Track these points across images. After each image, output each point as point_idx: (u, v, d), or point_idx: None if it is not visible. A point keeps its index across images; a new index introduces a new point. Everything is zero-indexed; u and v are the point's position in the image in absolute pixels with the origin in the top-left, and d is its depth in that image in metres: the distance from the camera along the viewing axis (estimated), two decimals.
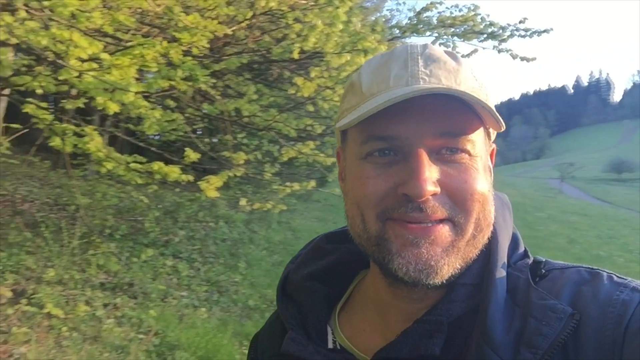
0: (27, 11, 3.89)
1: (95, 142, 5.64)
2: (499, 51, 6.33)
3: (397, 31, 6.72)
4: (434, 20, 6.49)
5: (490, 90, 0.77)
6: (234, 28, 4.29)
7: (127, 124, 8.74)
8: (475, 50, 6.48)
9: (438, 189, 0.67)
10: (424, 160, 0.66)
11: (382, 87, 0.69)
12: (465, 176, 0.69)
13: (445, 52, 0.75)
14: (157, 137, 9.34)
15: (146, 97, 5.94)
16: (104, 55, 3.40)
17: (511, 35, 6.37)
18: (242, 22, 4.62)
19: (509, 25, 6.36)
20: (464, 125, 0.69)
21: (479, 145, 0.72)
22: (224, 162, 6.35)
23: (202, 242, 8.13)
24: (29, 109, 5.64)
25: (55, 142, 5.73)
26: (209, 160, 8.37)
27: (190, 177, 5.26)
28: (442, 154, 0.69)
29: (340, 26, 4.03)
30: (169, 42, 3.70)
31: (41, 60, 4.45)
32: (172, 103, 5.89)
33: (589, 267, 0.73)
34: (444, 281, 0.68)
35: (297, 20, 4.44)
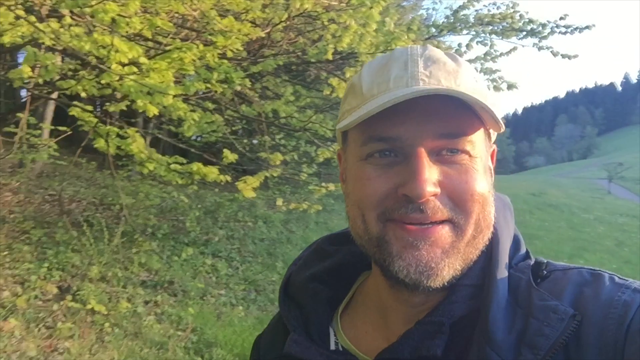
0: (72, 17, 4.04)
1: (137, 144, 5.81)
2: (539, 49, 6.19)
3: (434, 30, 6.65)
4: (471, 19, 6.39)
5: (490, 92, 0.77)
6: (267, 31, 4.33)
7: (168, 126, 8.96)
8: (514, 48, 6.36)
9: (438, 190, 0.67)
10: (424, 161, 0.66)
11: (382, 88, 0.70)
12: (465, 177, 0.69)
13: (445, 53, 0.75)
14: (198, 139, 9.54)
15: (186, 100, 6.08)
16: (143, 59, 3.49)
17: (551, 33, 6.21)
18: (278, 24, 4.66)
19: (549, 22, 6.21)
20: (464, 126, 0.69)
21: (479, 146, 0.72)
22: (261, 163, 6.43)
23: (241, 241, 8.25)
24: (74, 111, 5.85)
25: (100, 143, 5.92)
26: (248, 161, 8.50)
27: (228, 178, 5.35)
28: (442, 155, 0.69)
29: (374, 26, 4.02)
30: (205, 45, 3.77)
31: (85, 65, 4.60)
32: (210, 105, 5.99)
33: (590, 268, 0.73)
34: (445, 283, 0.68)
35: (331, 21, 4.45)
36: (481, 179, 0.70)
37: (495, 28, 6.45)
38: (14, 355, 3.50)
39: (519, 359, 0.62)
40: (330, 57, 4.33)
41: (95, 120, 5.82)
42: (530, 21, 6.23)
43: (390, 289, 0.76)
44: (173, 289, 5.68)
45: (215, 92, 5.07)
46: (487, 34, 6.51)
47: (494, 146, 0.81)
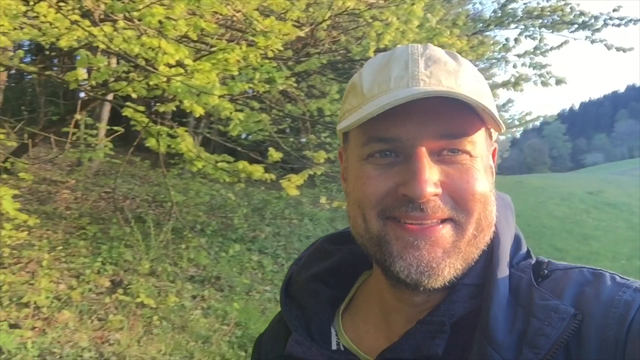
0: (125, 21, 4.19)
1: (186, 143, 5.97)
2: (592, 42, 5.97)
3: (480, 25, 6.50)
4: (520, 12, 6.22)
5: (489, 91, 0.77)
6: (306, 30, 4.36)
7: (217, 125, 9.15)
8: (566, 42, 6.14)
9: (439, 190, 0.67)
10: (425, 162, 0.66)
11: (382, 88, 0.70)
12: (466, 176, 0.69)
13: (446, 52, 0.74)
14: (248, 137, 9.70)
15: (233, 100, 6.20)
16: (188, 61, 3.59)
17: (605, 25, 5.97)
18: (321, 22, 4.69)
19: (601, 14, 5.97)
20: (465, 127, 0.69)
21: (480, 145, 0.71)
22: (305, 161, 6.48)
23: (287, 238, 8.33)
24: (127, 112, 6.08)
25: (151, 142, 6.12)
26: (294, 159, 8.58)
27: (273, 176, 5.43)
28: (443, 155, 0.69)
29: (416, 22, 3.99)
30: (248, 46, 3.84)
31: (137, 67, 4.76)
32: (256, 104, 6.09)
33: (591, 268, 0.72)
34: (446, 283, 0.68)
35: (374, 18, 4.44)
36: (482, 179, 0.70)
37: (545, 21, 6.26)
38: (67, 346, 3.68)
39: (520, 358, 0.62)
40: (372, 54, 4.31)
41: (147, 120, 6.03)
42: (582, 13, 6.01)
43: (392, 289, 0.76)
44: (220, 284, 5.81)
45: (261, 92, 5.15)
46: (537, 28, 6.31)
47: (496, 145, 0.81)
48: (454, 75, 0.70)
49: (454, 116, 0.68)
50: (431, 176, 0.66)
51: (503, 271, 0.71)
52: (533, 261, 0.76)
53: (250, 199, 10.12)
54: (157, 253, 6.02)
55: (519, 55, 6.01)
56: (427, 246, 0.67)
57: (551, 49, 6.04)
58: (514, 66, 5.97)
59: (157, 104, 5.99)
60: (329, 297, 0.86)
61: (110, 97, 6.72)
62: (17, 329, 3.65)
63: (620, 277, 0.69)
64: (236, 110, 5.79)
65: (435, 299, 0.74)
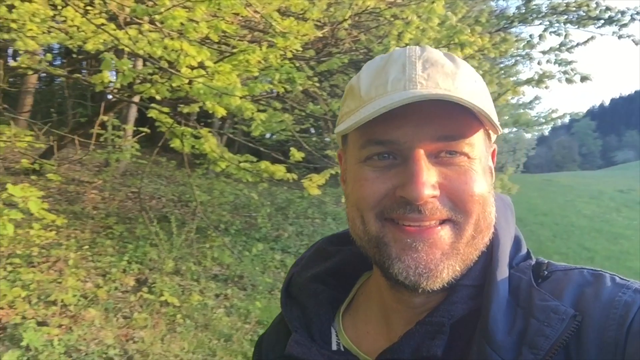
0: (150, 24, 4.26)
1: (209, 143, 6.05)
2: (620, 37, 5.83)
3: (503, 22, 6.41)
4: (544, 8, 6.12)
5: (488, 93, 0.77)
6: (324, 30, 4.37)
7: (241, 126, 9.23)
8: (592, 38, 6.02)
9: (437, 192, 0.67)
10: (422, 164, 0.66)
11: (380, 91, 0.70)
12: (464, 178, 0.68)
13: (444, 54, 0.74)
14: (272, 137, 9.77)
15: (256, 100, 6.26)
16: (208, 63, 3.63)
17: (632, 20, 5.83)
18: (341, 22, 4.69)
19: (628, 9, 5.83)
20: (463, 128, 0.69)
21: (478, 147, 0.71)
22: (327, 161, 6.49)
23: (310, 237, 8.36)
24: (152, 113, 6.18)
25: (176, 143, 6.21)
26: (317, 158, 8.60)
27: (295, 176, 5.46)
28: (441, 157, 0.69)
29: (437, 20, 3.96)
30: (269, 46, 3.86)
31: (161, 69, 4.83)
32: (278, 105, 6.12)
33: (591, 269, 0.72)
34: (445, 284, 0.69)
35: (394, 16, 4.42)
36: (480, 180, 0.70)
37: (570, 17, 6.14)
38: (92, 343, 3.76)
39: (519, 359, 0.62)
40: None
41: (171, 121, 6.11)
42: (608, 9, 5.88)
43: (391, 290, 0.77)
44: (243, 283, 5.86)
45: (285, 91, 5.18)
46: (562, 24, 6.20)
47: (495, 146, 0.81)
48: (452, 77, 0.69)
49: (451, 118, 0.68)
50: (429, 178, 0.66)
51: (503, 272, 0.71)
52: (533, 262, 0.75)
53: (273, 199, 10.19)
54: (181, 252, 6.10)
55: (543, 52, 5.92)
56: (426, 248, 0.67)
57: (577, 45, 5.93)
58: (539, 63, 5.88)
59: (181, 106, 6.07)
60: (329, 297, 0.86)
61: (136, 99, 6.85)
62: (44, 326, 3.74)
63: (620, 278, 0.69)
64: (259, 111, 5.84)
65: (434, 300, 0.74)
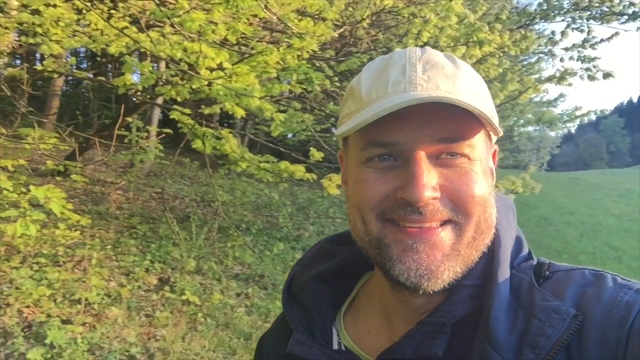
0: (172, 26, 4.32)
1: (230, 144, 6.10)
2: None
3: (525, 19, 6.31)
4: (566, 4, 6.00)
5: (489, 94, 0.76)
6: (341, 30, 4.37)
7: (262, 127, 9.28)
8: (616, 34, 5.89)
9: (438, 194, 0.67)
10: (423, 166, 0.67)
11: (380, 93, 0.70)
12: (465, 179, 0.69)
13: (445, 55, 0.74)
14: (293, 138, 9.80)
15: (277, 101, 6.29)
16: (226, 64, 3.66)
17: None
18: (360, 21, 4.69)
19: None
20: (463, 130, 0.69)
21: (479, 148, 0.71)
22: None
23: None
24: (174, 115, 6.25)
25: (197, 144, 6.28)
26: (337, 158, 8.60)
27: (314, 176, 5.47)
28: (441, 159, 0.69)
29: (455, 19, 3.92)
30: (288, 47, 3.88)
31: (183, 71, 4.89)
32: (297, 105, 6.14)
33: (593, 269, 0.71)
34: (446, 285, 0.69)
35: (413, 15, 4.41)
36: (481, 181, 0.70)
37: (594, 13, 6.02)
38: (115, 341, 3.83)
39: (521, 358, 0.62)
40: None
41: (193, 122, 6.18)
42: (632, 4, 5.74)
43: (392, 291, 0.77)
44: (264, 282, 5.90)
45: (306, 91, 5.19)
46: (585, 20, 6.08)
47: (495, 146, 0.80)
48: (452, 79, 0.70)
49: (451, 120, 0.68)
50: (429, 180, 0.66)
51: (504, 272, 0.71)
52: (534, 262, 0.76)
53: (295, 198, 10.23)
54: (203, 251, 6.17)
55: (566, 49, 5.81)
56: (427, 249, 0.68)
57: (601, 41, 5.82)
58: (561, 60, 5.78)
59: (202, 107, 6.13)
60: (330, 297, 0.87)
61: (160, 100, 6.95)
62: (68, 324, 3.83)
63: (621, 278, 0.69)
64: (280, 111, 5.87)
65: (435, 300, 0.74)
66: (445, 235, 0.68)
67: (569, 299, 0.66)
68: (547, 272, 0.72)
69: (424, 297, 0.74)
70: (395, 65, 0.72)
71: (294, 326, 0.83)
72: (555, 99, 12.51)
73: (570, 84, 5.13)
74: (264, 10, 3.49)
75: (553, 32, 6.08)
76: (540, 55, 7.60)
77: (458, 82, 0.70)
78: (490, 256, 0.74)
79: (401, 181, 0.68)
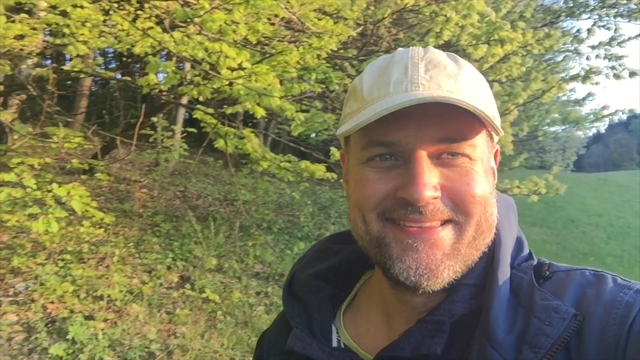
0: (196, 27, 4.37)
1: (252, 143, 6.15)
2: None
3: (550, 16, 6.20)
4: (592, 2, 5.88)
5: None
6: (359, 29, 4.36)
7: (284, 126, 9.32)
8: None
9: (438, 194, 0.68)
10: (423, 166, 0.67)
11: (382, 92, 0.70)
12: (466, 179, 0.69)
13: (447, 54, 0.74)
14: (315, 137, 9.82)
15: (299, 100, 6.31)
16: (246, 64, 3.69)
17: None
18: (382, 19, 4.68)
19: None
20: (464, 130, 0.69)
21: (480, 148, 0.71)
22: None
23: None
24: (197, 114, 6.33)
25: (220, 143, 6.34)
26: None
27: (335, 175, 5.48)
28: (442, 158, 0.69)
29: (476, 17, 3.88)
30: (307, 46, 3.89)
31: (204, 71, 4.94)
32: (318, 104, 6.15)
33: (593, 270, 0.72)
34: (445, 285, 0.69)
35: (434, 13, 4.37)
36: (482, 181, 0.70)
37: (620, 10, 5.88)
38: (135, 337, 3.88)
39: (520, 357, 0.62)
40: None
41: (215, 121, 6.25)
42: None
43: (392, 290, 0.77)
44: (283, 281, 5.89)
45: (329, 91, 5.20)
46: (611, 17, 5.95)
47: (497, 146, 0.80)
48: (454, 79, 0.69)
49: (453, 120, 0.68)
50: (430, 180, 0.67)
51: (504, 272, 0.71)
52: (534, 262, 0.76)
53: (316, 198, 10.24)
54: (224, 250, 6.22)
55: (593, 47, 5.70)
56: (426, 248, 0.68)
57: (628, 39, 5.68)
58: (587, 58, 5.67)
59: (225, 106, 6.19)
60: (330, 295, 0.87)
61: (184, 100, 7.03)
62: (91, 320, 3.90)
63: (621, 279, 0.69)
64: (302, 111, 5.89)
65: (435, 300, 0.74)
66: (446, 234, 0.69)
67: (569, 298, 0.67)
68: (548, 272, 0.73)
69: (424, 296, 0.74)
70: (398, 65, 0.72)
71: (294, 323, 0.83)
72: (583, 98, 12.28)
73: (597, 83, 5.04)
74: (284, 9, 3.50)
75: (579, 30, 5.96)
76: (567, 53, 7.48)
77: (460, 81, 0.70)
78: (490, 256, 0.74)
79: (402, 181, 0.68)
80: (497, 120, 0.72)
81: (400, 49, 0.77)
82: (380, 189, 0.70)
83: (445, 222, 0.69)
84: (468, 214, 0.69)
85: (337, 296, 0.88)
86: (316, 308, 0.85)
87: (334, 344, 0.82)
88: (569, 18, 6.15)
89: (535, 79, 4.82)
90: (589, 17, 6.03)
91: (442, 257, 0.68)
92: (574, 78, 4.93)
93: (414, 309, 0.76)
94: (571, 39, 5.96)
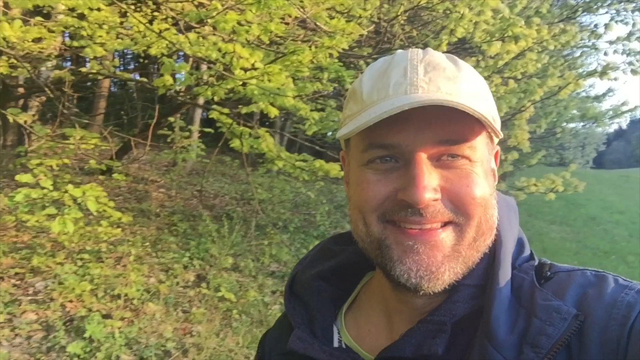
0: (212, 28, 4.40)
1: (266, 143, 6.17)
2: None
3: (567, 12, 6.11)
4: None
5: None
6: (370, 28, 4.35)
7: (299, 125, 9.34)
8: None
9: (438, 196, 0.68)
10: (423, 168, 0.67)
11: (381, 95, 0.70)
12: (466, 181, 0.69)
13: (447, 56, 0.74)
14: (331, 136, 9.82)
15: (314, 99, 6.32)
16: (258, 64, 3.70)
17: None
18: (396, 17, 4.66)
19: None
20: (464, 132, 0.69)
21: (480, 150, 0.71)
22: None
23: None
24: (213, 114, 6.37)
25: (235, 143, 6.39)
26: None
27: None
28: (442, 160, 0.69)
29: (489, 13, 3.85)
30: (317, 46, 3.90)
31: (218, 72, 4.98)
32: (333, 103, 6.16)
33: (594, 270, 0.72)
34: (446, 287, 0.70)
35: (449, 10, 4.35)
36: (482, 183, 0.70)
37: (639, 5, 5.78)
38: (152, 336, 3.93)
39: (521, 357, 0.63)
40: (444, 48, 4.22)
41: (231, 121, 6.28)
42: None
43: (393, 291, 0.78)
44: None
45: (343, 89, 5.18)
46: (630, 12, 5.85)
47: (498, 148, 0.80)
48: (453, 81, 0.70)
49: (452, 122, 0.68)
50: (430, 182, 0.67)
51: (505, 272, 0.72)
52: (536, 263, 0.76)
53: (333, 197, 10.24)
54: (240, 248, 6.26)
55: (611, 42, 5.61)
56: (427, 250, 0.68)
57: None
58: (605, 54, 5.58)
59: (240, 106, 6.22)
60: (332, 295, 0.88)
61: (201, 100, 7.08)
62: (108, 319, 3.95)
63: (623, 279, 0.69)
64: (317, 110, 5.90)
65: (436, 301, 0.74)
66: (446, 236, 0.69)
67: (570, 299, 0.67)
68: (549, 273, 0.73)
69: (425, 298, 0.74)
70: (397, 67, 0.72)
71: (295, 323, 0.84)
72: (604, 94, 12.09)
73: (615, 79, 4.96)
74: (296, 8, 3.51)
75: (596, 25, 5.88)
76: (585, 49, 7.36)
77: (459, 83, 0.70)
78: (491, 257, 0.74)
79: (402, 183, 0.69)
80: (496, 122, 0.72)
81: (399, 50, 0.78)
82: (381, 191, 0.71)
83: (445, 224, 0.69)
84: (468, 216, 0.69)
85: (338, 297, 0.89)
86: (317, 308, 0.85)
87: (335, 344, 0.83)
88: (586, 13, 6.06)
89: (552, 75, 4.77)
90: (607, 12, 5.94)
91: (443, 259, 0.68)
92: (590, 74, 4.86)
93: (415, 309, 0.76)
94: (588, 34, 5.88)
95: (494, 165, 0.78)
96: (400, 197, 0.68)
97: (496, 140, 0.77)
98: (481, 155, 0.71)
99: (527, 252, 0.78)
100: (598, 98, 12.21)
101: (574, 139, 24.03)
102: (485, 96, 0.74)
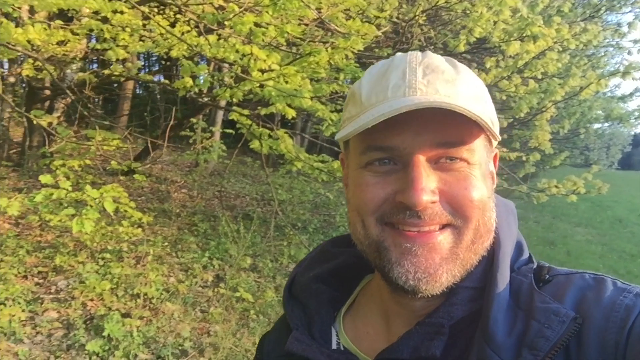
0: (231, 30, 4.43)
1: (285, 144, 6.19)
2: None
3: (589, 10, 6.00)
4: None
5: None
6: (386, 29, 4.32)
7: (317, 126, 9.36)
8: None
9: (436, 198, 0.68)
10: (421, 170, 0.67)
11: (380, 97, 0.71)
12: (464, 183, 0.69)
13: (445, 59, 0.74)
14: None
15: (333, 101, 6.32)
16: (274, 66, 3.72)
17: None
18: (414, 17, 4.64)
19: None
20: (463, 135, 0.69)
21: (479, 152, 0.71)
22: None
23: None
24: (234, 116, 6.42)
25: (255, 144, 6.42)
26: None
27: None
28: (440, 163, 0.69)
29: (507, 13, 3.80)
30: (333, 48, 3.90)
31: (235, 73, 5.01)
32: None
33: (593, 273, 0.72)
34: (444, 289, 0.70)
35: (467, 10, 4.31)
36: (480, 185, 0.70)
37: None
38: (170, 335, 3.98)
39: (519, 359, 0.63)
40: (462, 48, 4.19)
41: (250, 122, 6.32)
42: None
43: (392, 294, 0.78)
44: None
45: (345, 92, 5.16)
46: None
47: (496, 150, 0.80)
48: (452, 83, 0.70)
49: (451, 124, 0.68)
50: (428, 184, 0.67)
51: (504, 275, 0.72)
52: (534, 266, 0.76)
53: None
54: (259, 249, 6.29)
55: (635, 42, 5.49)
56: (425, 252, 0.68)
57: None
58: (629, 53, 5.47)
59: (259, 107, 6.26)
60: (330, 297, 0.88)
61: (222, 102, 7.15)
62: (127, 318, 4.01)
63: (621, 282, 0.69)
64: (336, 111, 5.89)
65: (435, 303, 0.74)
66: (444, 238, 0.69)
67: (569, 301, 0.67)
68: (547, 276, 0.73)
69: (423, 300, 0.74)
70: (396, 70, 0.73)
71: (294, 325, 0.84)
72: (630, 94, 11.82)
73: (639, 79, 4.86)
74: (312, 10, 3.52)
75: (619, 24, 5.76)
76: (607, 48, 7.21)
77: (458, 86, 0.70)
78: (490, 259, 0.74)
79: (400, 185, 0.69)
80: (495, 125, 0.72)
81: (399, 53, 0.78)
82: (379, 193, 0.71)
83: (443, 227, 0.69)
84: (466, 218, 0.69)
85: (337, 299, 0.89)
86: (316, 311, 0.85)
87: (334, 346, 0.83)
88: (609, 12, 5.93)
89: (574, 75, 4.69)
90: (630, 11, 5.82)
91: (441, 261, 0.68)
92: (613, 74, 4.76)
93: (413, 312, 0.77)
94: (611, 33, 5.76)
95: (492, 167, 0.78)
96: (399, 200, 0.68)
97: (495, 143, 0.77)
98: (479, 158, 0.71)
99: (525, 255, 0.78)
100: (624, 98, 11.94)
101: (598, 139, 23.60)
102: (484, 99, 0.73)
